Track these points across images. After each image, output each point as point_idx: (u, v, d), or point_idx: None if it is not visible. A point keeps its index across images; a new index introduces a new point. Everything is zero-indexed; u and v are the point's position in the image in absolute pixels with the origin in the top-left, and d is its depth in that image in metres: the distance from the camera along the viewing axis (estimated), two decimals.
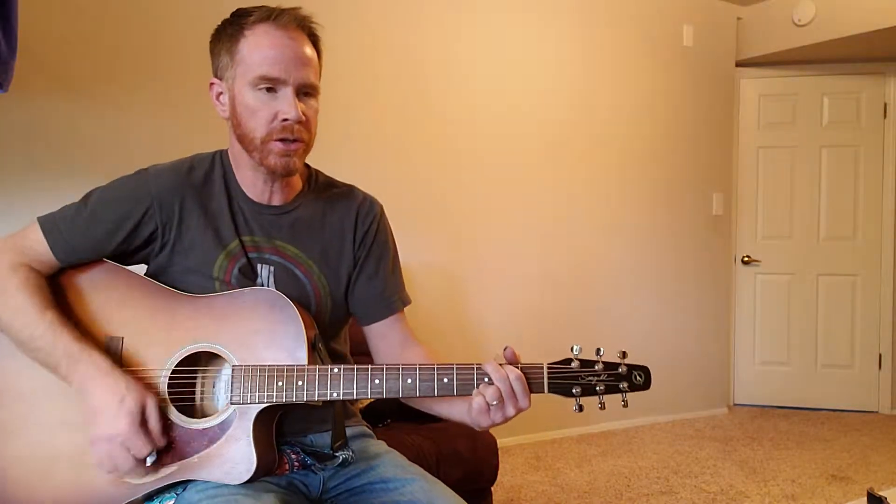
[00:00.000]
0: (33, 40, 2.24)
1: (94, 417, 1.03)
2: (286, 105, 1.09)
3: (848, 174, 4.25)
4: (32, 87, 2.31)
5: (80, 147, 2.42)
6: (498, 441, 2.24)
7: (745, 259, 4.33)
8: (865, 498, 1.53)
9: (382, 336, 1.27)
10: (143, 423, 1.03)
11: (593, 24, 3.71)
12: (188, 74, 2.57)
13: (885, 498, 1.49)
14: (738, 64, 4.25)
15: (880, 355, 4.21)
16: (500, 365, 1.05)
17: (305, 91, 1.13)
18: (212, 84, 1.17)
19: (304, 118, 1.11)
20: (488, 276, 3.41)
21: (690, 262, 4.08)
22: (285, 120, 1.09)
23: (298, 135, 1.11)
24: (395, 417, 2.25)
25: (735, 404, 4.36)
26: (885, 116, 4.20)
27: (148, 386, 1.08)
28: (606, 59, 3.76)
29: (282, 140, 1.10)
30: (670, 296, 4.00)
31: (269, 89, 1.10)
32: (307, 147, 1.15)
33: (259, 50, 1.09)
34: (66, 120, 2.41)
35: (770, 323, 4.33)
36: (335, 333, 1.26)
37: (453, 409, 1.13)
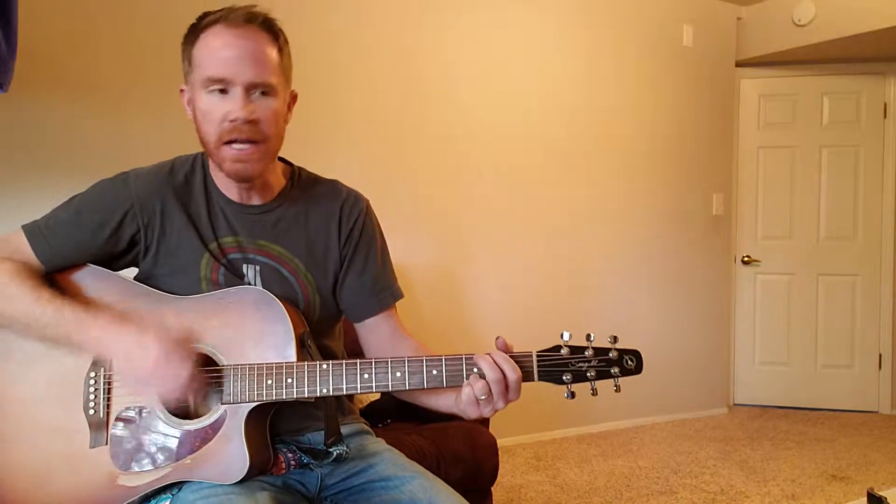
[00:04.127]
0: (33, 40, 2.23)
1: (127, 369, 1.05)
2: (233, 105, 1.07)
3: (848, 174, 4.24)
4: (32, 87, 2.31)
5: (80, 147, 2.42)
6: (498, 441, 2.24)
7: (745, 259, 4.33)
8: (865, 498, 1.53)
9: (372, 331, 1.26)
10: (169, 346, 1.04)
11: (593, 23, 3.70)
12: None
13: (885, 498, 1.48)
14: (738, 64, 4.25)
15: (880, 355, 4.21)
16: (494, 361, 1.03)
17: (262, 90, 1.09)
18: (182, 90, 1.16)
19: (254, 118, 1.07)
20: (486, 275, 3.41)
21: (690, 262, 4.07)
22: (233, 120, 1.07)
23: (249, 135, 1.08)
24: (395, 417, 2.24)
25: (735, 404, 4.35)
26: (885, 116, 4.20)
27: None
28: (606, 58, 3.75)
29: (232, 142, 1.08)
30: (670, 296, 4.00)
31: (221, 91, 1.07)
32: (267, 149, 1.11)
33: (209, 52, 1.08)
34: (66, 120, 2.41)
35: (770, 323, 4.32)
36: (327, 330, 1.25)
37: (440, 401, 1.13)
